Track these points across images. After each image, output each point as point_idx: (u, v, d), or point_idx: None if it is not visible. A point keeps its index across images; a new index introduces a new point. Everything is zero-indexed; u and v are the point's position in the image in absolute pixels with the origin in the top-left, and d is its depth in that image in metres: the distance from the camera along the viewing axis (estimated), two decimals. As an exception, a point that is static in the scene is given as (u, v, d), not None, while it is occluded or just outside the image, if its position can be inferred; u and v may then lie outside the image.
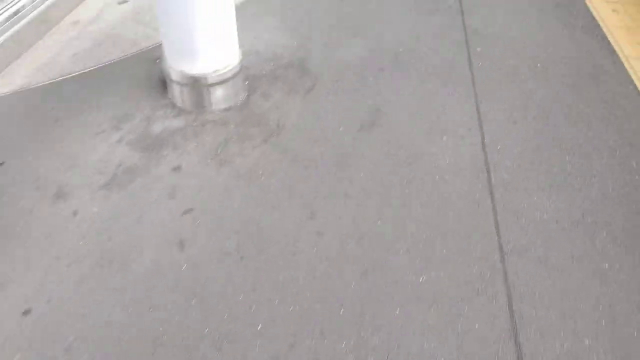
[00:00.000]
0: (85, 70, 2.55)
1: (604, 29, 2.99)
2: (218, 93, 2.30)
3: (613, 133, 2.23)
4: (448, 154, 2.10)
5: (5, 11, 2.58)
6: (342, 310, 1.53)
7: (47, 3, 2.82)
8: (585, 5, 3.25)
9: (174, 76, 2.24)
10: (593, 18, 3.11)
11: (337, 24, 3.01)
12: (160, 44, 2.38)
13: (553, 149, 2.14)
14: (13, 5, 2.62)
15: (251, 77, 2.54)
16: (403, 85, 2.51)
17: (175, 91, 2.32)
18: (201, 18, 2.08)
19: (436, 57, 2.71)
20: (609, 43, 2.86)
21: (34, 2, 2.74)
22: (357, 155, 2.09)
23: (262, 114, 2.31)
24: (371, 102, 2.39)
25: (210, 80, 2.24)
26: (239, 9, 3.16)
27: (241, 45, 2.70)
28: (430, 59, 2.70)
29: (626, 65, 2.68)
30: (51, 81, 2.46)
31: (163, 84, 2.41)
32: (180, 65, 2.22)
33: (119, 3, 3.21)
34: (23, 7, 2.67)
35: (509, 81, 2.54)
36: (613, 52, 2.78)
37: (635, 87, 2.52)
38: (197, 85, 2.24)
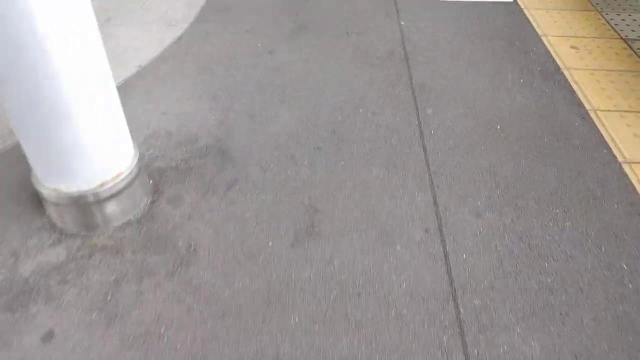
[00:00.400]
0: (-62, 182, 1.98)
1: (565, 73, 2.66)
2: (110, 209, 1.79)
3: (594, 220, 1.88)
4: (404, 273, 1.68)
5: None
6: None
7: None
8: (541, 42, 2.92)
9: (47, 195, 1.72)
10: (551, 58, 2.78)
11: (264, 85, 2.54)
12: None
13: (528, 253, 1.76)
14: None
15: (157, 172, 2.04)
16: (344, 170, 2.07)
17: (52, 211, 1.79)
18: (73, 122, 1.56)
19: (381, 127, 2.29)
20: (573, 91, 2.53)
21: None
22: (292, 287, 1.64)
23: (169, 230, 1.82)
24: (307, 200, 1.94)
25: (97, 197, 1.73)
26: (147, 69, 2.65)
27: (147, 125, 2.20)
28: (374, 129, 2.28)
29: (595, 120, 2.35)
30: None
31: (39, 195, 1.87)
32: (53, 182, 1.70)
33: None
34: None
35: (468, 154, 2.16)
36: (579, 103, 2.45)
37: (609, 150, 2.19)
38: (80, 205, 1.73)
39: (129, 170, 1.79)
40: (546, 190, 2.00)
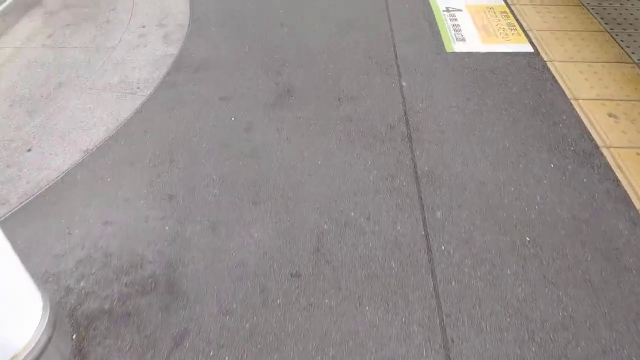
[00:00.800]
0: None
1: (605, 153, 2.17)
2: (6, 396, 1.31)
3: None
4: None
5: None
6: None
7: None
8: (571, 107, 2.43)
9: None
10: (586, 132, 2.28)
11: (235, 178, 2.07)
12: None
13: None
14: None
15: (85, 319, 1.57)
16: (329, 313, 1.59)
17: None
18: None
19: (378, 240, 1.81)
20: (617, 181, 2.03)
21: None
22: None
23: (88, 423, 1.34)
24: (277, 358, 1.46)
25: (-17, 387, 1.26)
26: (95, 155, 2.18)
27: (82, 243, 1.75)
28: (369, 244, 1.80)
29: (650, 226, 1.85)
30: None
31: None
32: None
33: None
34: None
35: (490, 283, 1.66)
36: (626, 201, 1.95)
37: (673, 275, 1.69)
38: (-40, 398, 1.26)
39: (34, 342, 1.32)
40: (597, 346, 1.50)
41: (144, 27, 3.17)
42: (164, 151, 2.20)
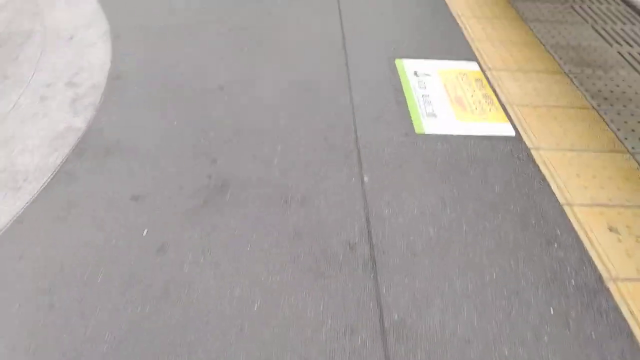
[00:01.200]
0: None
1: (612, 289, 1.75)
2: None
3: None
4: None
5: None
6: None
7: None
8: (565, 219, 2.01)
9: None
10: (587, 256, 1.86)
11: (131, 336, 1.51)
12: None
13: None
14: None
15: None
16: None
17: None
18: None
19: None
20: (632, 338, 1.60)
21: None
22: None
23: None
24: None
25: None
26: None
27: None
28: None
29: (682, 414, 1.42)
30: None
31: None
32: None
33: None
34: None
35: None
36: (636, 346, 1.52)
37: None
38: None
39: None
40: None
41: (48, 86, 2.56)
42: (42, 290, 1.61)
